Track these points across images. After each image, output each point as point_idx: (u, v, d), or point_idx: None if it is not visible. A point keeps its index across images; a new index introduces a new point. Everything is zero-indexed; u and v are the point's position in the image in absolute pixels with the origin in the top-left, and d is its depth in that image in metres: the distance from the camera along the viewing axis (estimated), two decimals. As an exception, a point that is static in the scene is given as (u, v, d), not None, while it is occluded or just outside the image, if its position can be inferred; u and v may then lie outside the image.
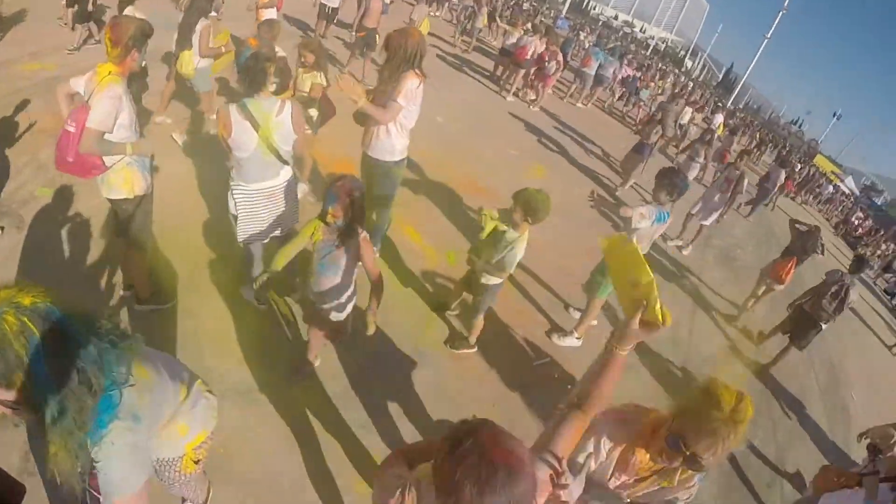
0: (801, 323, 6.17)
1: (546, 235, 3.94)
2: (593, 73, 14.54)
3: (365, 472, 3.13)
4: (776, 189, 12.55)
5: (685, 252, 8.45)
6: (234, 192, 3.48)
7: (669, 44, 68.14)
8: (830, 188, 27.13)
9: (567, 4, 48.02)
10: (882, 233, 25.76)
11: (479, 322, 4.26)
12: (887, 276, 19.86)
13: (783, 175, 12.34)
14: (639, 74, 19.67)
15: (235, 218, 3.57)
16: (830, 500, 3.36)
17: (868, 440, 4.11)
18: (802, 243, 6.79)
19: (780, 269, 6.95)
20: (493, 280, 3.90)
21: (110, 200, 3.25)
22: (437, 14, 20.48)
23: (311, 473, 3.04)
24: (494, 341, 4.59)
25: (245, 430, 3.12)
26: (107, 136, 2.92)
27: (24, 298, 1.20)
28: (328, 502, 2.95)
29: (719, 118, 17.94)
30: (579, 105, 15.17)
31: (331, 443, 3.23)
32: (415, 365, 4.06)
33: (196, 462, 2.04)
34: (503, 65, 13.37)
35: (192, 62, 5.73)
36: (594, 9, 67.43)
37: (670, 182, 4.27)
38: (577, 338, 5.01)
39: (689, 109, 15.19)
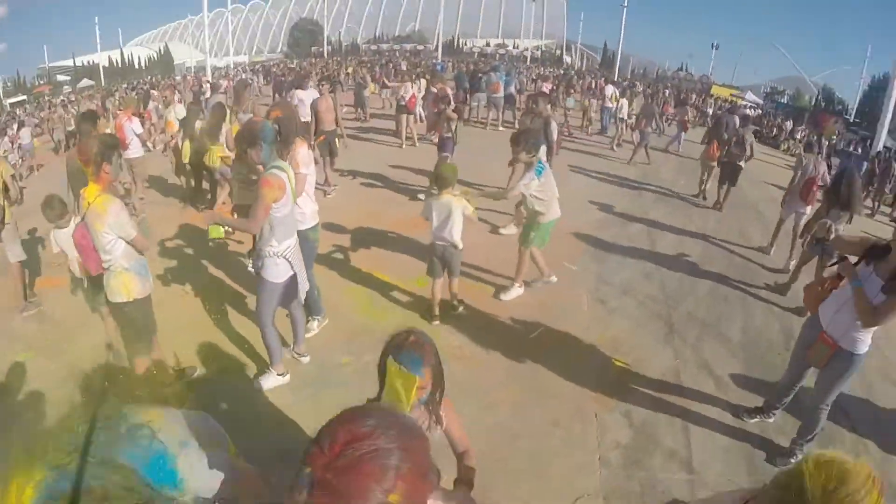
0: (727, 169, 9.35)
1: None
2: (502, 96, 15.81)
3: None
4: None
5: (504, 231, 7.23)
6: (285, 255, 3.73)
7: (544, 48, 71.16)
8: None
9: (440, 50, 50.24)
10: (795, 125, 27.02)
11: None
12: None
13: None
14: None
15: (289, 279, 3.84)
16: (828, 309, 3.54)
17: (811, 236, 4.27)
18: (716, 128, 10.15)
19: (710, 151, 9.88)
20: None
21: (111, 305, 3.61)
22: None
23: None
24: (487, 330, 4.96)
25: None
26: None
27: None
28: None
29: (610, 89, 19.03)
30: (501, 128, 15.44)
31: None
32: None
33: None
34: (402, 121, 13.62)
35: (217, 155, 7.18)
36: (466, 44, 70.14)
37: (524, 140, 4.88)
38: (518, 286, 5.51)
39: (623, 101, 16.11)
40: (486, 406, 3.99)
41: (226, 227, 3.80)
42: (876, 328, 3.30)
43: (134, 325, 3.67)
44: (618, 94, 17.67)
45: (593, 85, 25.23)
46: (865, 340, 3.36)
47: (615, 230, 7.96)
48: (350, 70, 32.90)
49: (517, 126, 8.99)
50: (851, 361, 3.41)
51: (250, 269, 4.00)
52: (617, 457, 3.67)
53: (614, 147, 14.53)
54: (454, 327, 4.99)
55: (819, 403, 3.64)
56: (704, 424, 4.05)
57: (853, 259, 3.44)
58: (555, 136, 7.02)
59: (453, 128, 8.58)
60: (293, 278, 3.87)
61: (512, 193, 5.04)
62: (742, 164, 9.18)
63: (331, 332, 4.87)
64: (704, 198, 10.17)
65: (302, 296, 4.04)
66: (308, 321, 4.76)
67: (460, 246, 4.74)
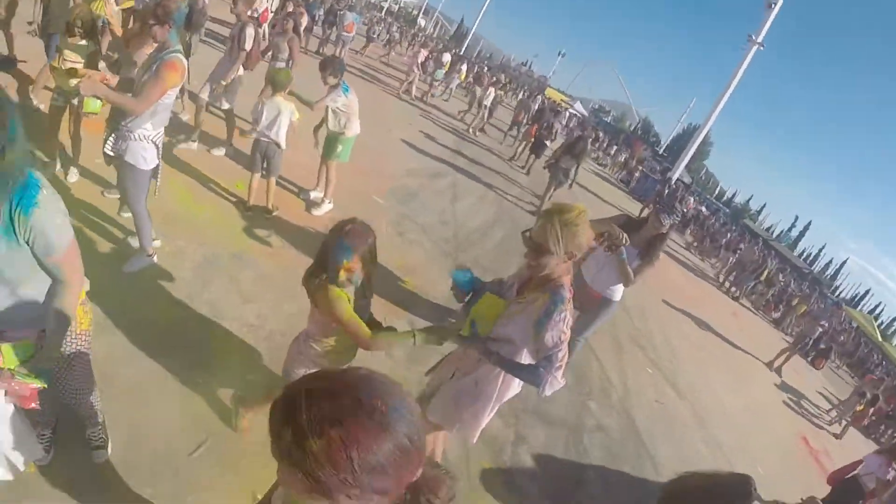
0: (537, 144, 13.34)
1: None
2: (352, 36, 16.66)
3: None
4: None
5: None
6: (155, 140, 3.64)
7: (402, 5, 70.88)
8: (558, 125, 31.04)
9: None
10: (608, 139, 30.68)
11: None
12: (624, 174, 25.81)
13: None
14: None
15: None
16: (590, 268, 4.50)
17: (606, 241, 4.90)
18: (538, 115, 14.12)
19: (531, 130, 14.07)
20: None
21: None
22: None
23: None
24: (299, 236, 5.39)
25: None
26: None
27: None
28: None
29: (447, 56, 20.53)
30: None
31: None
32: (239, 267, 4.54)
33: (87, 315, 2.17)
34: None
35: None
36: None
37: (330, 66, 5.50)
38: (328, 202, 6.16)
39: (491, 90, 16.89)
40: (287, 296, 4.30)
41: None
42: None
43: None
44: (463, 68, 19.29)
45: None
46: (620, 290, 4.50)
47: (426, 178, 8.82)
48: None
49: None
50: (610, 306, 4.59)
51: (108, 150, 3.61)
52: (400, 354, 4.32)
53: (476, 133, 16.17)
54: (269, 229, 5.27)
55: (578, 336, 4.78)
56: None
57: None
58: (248, 45, 6.21)
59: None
60: (157, 168, 3.75)
61: (319, 105, 5.57)
62: (548, 143, 13.32)
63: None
64: (516, 159, 14.78)
65: None
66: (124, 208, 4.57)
67: (283, 146, 5.17)
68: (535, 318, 2.22)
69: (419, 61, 17.95)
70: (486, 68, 30.55)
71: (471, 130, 16.08)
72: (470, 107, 17.23)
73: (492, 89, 16.88)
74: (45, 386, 1.73)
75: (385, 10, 54.73)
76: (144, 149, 3.57)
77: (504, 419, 4.28)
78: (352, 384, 0.81)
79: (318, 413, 0.76)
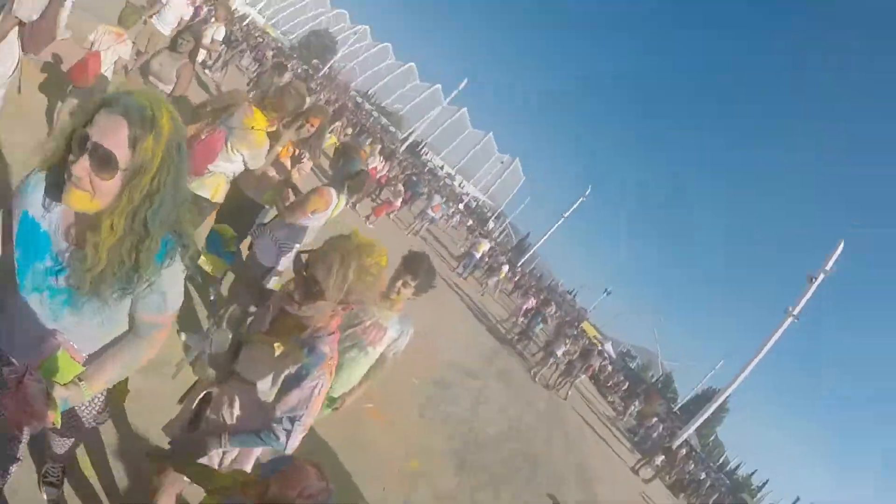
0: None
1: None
2: (435, 216, 18.85)
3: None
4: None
5: None
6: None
7: (480, 204, 74.82)
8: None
9: (404, 146, 52.15)
10: (628, 385, 30.19)
11: None
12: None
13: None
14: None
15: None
16: None
17: None
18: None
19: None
20: None
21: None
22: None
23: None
24: None
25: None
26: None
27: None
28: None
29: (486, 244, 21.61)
30: (418, 237, 17.69)
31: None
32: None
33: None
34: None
35: None
36: (426, 154, 72.08)
37: (425, 274, 3.77)
38: None
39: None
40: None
41: None
42: None
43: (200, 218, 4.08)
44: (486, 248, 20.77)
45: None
46: None
47: (461, 378, 9.28)
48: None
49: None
50: None
51: None
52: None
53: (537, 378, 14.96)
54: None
55: None
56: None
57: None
58: None
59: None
60: None
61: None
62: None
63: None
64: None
65: None
66: None
67: None
68: (283, 373, 1.92)
69: (525, 307, 18.58)
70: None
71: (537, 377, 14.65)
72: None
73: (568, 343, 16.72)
74: (58, 424, 1.48)
75: (462, 205, 56.68)
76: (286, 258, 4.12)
77: None
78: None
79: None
